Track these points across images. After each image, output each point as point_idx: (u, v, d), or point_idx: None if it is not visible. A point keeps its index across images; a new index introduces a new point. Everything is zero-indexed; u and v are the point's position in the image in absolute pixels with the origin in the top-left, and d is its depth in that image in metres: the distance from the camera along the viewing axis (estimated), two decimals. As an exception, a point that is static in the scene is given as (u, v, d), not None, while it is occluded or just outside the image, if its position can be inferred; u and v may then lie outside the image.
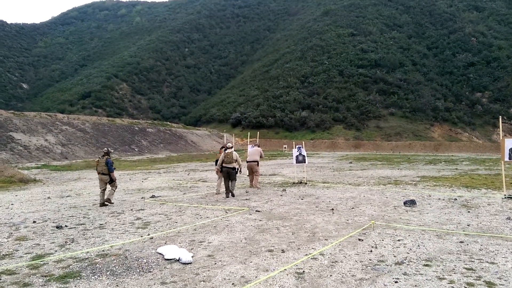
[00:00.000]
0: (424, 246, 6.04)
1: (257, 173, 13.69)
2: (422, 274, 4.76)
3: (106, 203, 10.17)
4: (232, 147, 12.10)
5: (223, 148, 12.56)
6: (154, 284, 4.54)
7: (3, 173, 16.60)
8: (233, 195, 11.59)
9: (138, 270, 5.02)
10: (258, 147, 14.58)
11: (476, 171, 20.07)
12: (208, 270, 4.98)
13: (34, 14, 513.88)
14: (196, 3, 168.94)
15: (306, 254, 5.64)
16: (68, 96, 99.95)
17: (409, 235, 6.70)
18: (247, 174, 14.43)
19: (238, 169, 11.92)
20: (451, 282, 4.51)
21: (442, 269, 4.97)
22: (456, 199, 10.71)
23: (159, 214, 9.00)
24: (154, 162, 31.17)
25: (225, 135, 33.81)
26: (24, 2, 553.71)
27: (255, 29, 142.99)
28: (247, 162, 13.84)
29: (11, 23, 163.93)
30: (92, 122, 46.38)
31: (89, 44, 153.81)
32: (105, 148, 10.79)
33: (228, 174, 11.64)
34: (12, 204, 10.71)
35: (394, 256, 5.51)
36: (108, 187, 10.50)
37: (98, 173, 10.33)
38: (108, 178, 10.26)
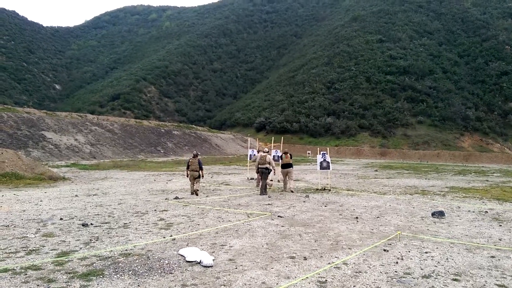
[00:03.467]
0: (453, 259, 5.81)
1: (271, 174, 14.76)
2: (450, 289, 4.56)
3: (197, 193, 12.77)
4: (268, 151, 14.00)
5: (288, 153, 14.50)
6: (175, 286, 4.53)
7: (34, 170, 17.14)
8: (265, 193, 13.09)
9: (159, 271, 5.03)
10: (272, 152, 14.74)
11: (508, 183, 19.31)
12: (229, 274, 4.94)
13: (68, 18, 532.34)
14: (224, 8, 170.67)
15: (329, 263, 5.51)
16: (98, 98, 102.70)
17: (437, 248, 6.46)
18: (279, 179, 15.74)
19: (271, 170, 13.47)
20: (482, 299, 4.30)
21: (472, 284, 4.75)
22: (487, 211, 10.31)
23: (182, 215, 9.05)
24: (179, 164, 31.55)
25: (249, 139, 33.87)
26: (60, 6, 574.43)
27: (282, 35, 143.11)
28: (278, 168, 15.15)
29: (46, 26, 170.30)
30: (120, 124, 47.43)
31: (120, 47, 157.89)
32: (194, 151, 14.15)
33: (262, 174, 13.29)
34: (41, 201, 11.01)
35: (421, 269, 5.31)
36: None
37: (191, 170, 12.84)
38: (198, 174, 12.84)
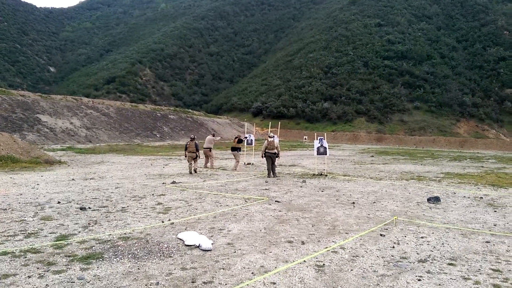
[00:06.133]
0: (448, 244, 5.89)
1: (211, 157, 17.27)
2: (446, 273, 4.64)
3: (195, 171, 14.63)
4: (274, 136, 14.65)
5: (236, 138, 17.36)
6: (175, 269, 4.57)
7: (30, 153, 17.07)
8: (274, 176, 13.98)
9: (159, 255, 5.07)
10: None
11: (503, 169, 19.49)
12: (228, 258, 4.99)
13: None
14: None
15: (326, 247, 5.57)
16: (94, 81, 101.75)
17: (432, 233, 6.54)
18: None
19: (277, 154, 14.28)
20: (477, 282, 4.38)
21: (468, 269, 4.83)
22: (482, 197, 10.42)
23: (180, 200, 9.08)
24: (175, 148, 31.51)
25: (245, 124, 33.82)
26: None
27: (280, 18, 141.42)
28: (203, 148, 16.95)
29: (40, 7, 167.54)
30: (116, 107, 47.11)
31: (115, 29, 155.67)
32: (192, 135, 15.64)
33: (270, 159, 14.04)
34: (38, 185, 10.99)
35: (417, 254, 5.39)
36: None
37: (189, 152, 14.53)
38: (195, 155, 14.56)
